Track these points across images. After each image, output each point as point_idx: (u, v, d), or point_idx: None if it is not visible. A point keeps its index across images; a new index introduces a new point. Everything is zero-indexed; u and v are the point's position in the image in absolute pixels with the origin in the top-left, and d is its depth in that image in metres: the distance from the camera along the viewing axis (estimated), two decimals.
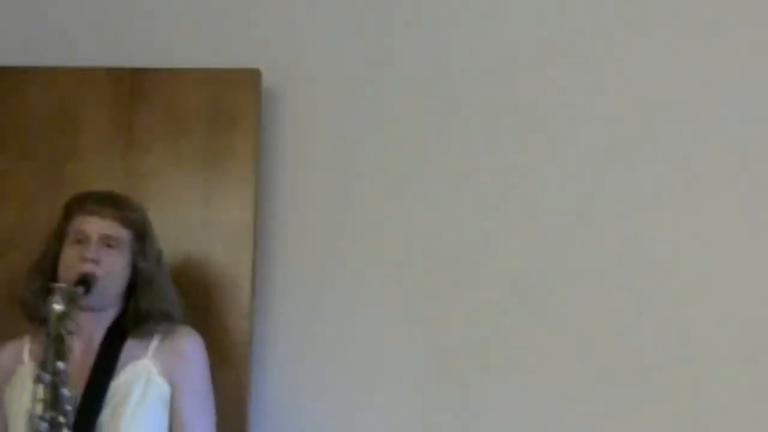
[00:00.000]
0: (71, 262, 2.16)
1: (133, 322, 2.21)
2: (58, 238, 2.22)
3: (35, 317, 2.16)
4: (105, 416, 2.11)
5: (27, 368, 2.18)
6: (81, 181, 2.67)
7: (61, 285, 2.07)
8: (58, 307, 2.03)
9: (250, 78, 2.69)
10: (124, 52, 2.83)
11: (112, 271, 2.18)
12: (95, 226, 2.18)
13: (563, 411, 2.60)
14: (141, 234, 2.24)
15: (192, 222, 2.67)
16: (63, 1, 2.91)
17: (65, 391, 2.05)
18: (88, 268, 2.13)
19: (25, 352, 2.23)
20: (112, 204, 2.22)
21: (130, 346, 2.19)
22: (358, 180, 2.76)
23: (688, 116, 2.61)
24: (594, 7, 2.69)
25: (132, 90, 2.73)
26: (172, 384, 2.18)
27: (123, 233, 2.20)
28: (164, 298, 2.24)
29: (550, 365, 2.62)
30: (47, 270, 2.20)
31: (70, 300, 2.05)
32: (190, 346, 2.22)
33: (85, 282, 2.11)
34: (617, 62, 2.66)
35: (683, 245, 2.59)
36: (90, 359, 2.17)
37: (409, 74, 2.76)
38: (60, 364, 2.04)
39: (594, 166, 2.65)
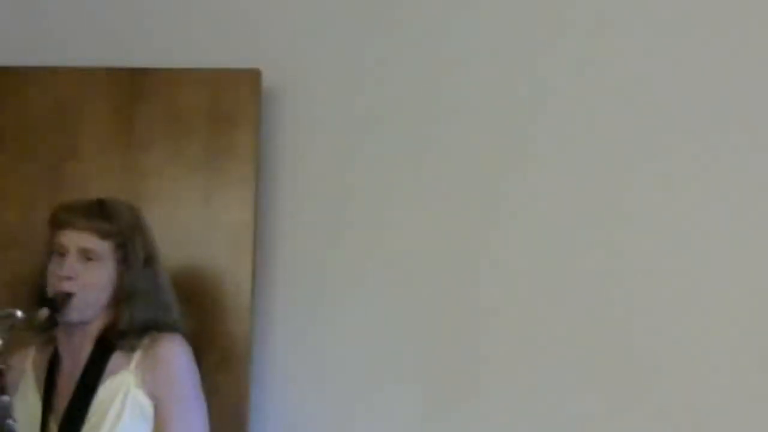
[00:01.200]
0: (51, 278, 2.14)
1: (116, 336, 2.16)
2: (47, 250, 2.19)
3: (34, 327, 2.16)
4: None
5: (29, 378, 2.19)
6: (81, 181, 2.68)
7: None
8: None
9: (250, 78, 2.69)
10: (124, 52, 2.83)
11: (91, 284, 2.14)
12: (72, 239, 2.14)
13: (563, 412, 2.60)
14: (122, 243, 2.18)
15: (192, 222, 2.67)
16: (63, 1, 2.91)
17: (10, 422, 2.02)
18: (64, 285, 2.11)
19: (28, 362, 2.22)
20: (88, 215, 2.16)
21: (115, 358, 2.15)
22: (358, 180, 2.75)
23: (688, 119, 2.61)
24: (594, 7, 2.69)
25: (132, 90, 2.72)
26: (154, 396, 2.12)
27: (101, 245, 2.16)
28: (151, 306, 2.19)
29: (550, 365, 2.61)
30: (41, 283, 2.18)
31: (10, 327, 2.02)
32: (169, 354, 2.15)
33: (55, 302, 2.09)
34: (616, 64, 2.66)
35: (681, 247, 2.58)
36: (77, 373, 2.15)
37: (409, 74, 2.76)
38: (3, 398, 2.02)
39: (593, 168, 2.64)
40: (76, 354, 2.17)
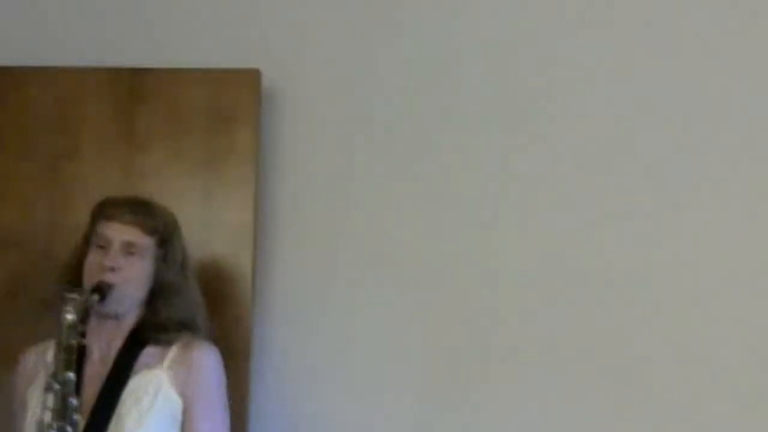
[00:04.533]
0: (92, 269, 2.17)
1: (151, 330, 2.21)
2: (85, 241, 2.23)
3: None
4: (112, 423, 2.11)
5: (50, 370, 2.17)
6: (81, 181, 2.68)
7: (74, 296, 2.08)
8: (69, 316, 2.04)
9: (250, 78, 2.69)
10: (124, 52, 2.83)
11: (132, 278, 2.18)
12: (117, 232, 2.18)
13: (563, 414, 2.60)
14: (164, 241, 2.24)
15: (192, 222, 2.65)
16: (63, 1, 2.91)
17: (73, 401, 2.06)
18: (106, 276, 2.14)
19: (48, 356, 2.21)
20: (135, 210, 2.21)
21: (147, 353, 2.19)
22: (358, 180, 2.76)
23: (689, 120, 2.61)
24: (592, 5, 2.69)
25: (132, 90, 2.72)
26: (184, 397, 2.17)
27: (145, 240, 2.21)
28: (186, 306, 2.25)
29: (550, 367, 2.62)
30: (74, 274, 2.21)
31: (84, 309, 2.07)
32: (204, 360, 2.20)
33: (100, 290, 2.11)
34: (615, 62, 2.66)
35: (683, 249, 2.59)
36: (107, 365, 2.17)
37: (409, 74, 2.76)
38: (69, 374, 2.05)
39: (595, 168, 2.65)
40: (107, 346, 2.20)
